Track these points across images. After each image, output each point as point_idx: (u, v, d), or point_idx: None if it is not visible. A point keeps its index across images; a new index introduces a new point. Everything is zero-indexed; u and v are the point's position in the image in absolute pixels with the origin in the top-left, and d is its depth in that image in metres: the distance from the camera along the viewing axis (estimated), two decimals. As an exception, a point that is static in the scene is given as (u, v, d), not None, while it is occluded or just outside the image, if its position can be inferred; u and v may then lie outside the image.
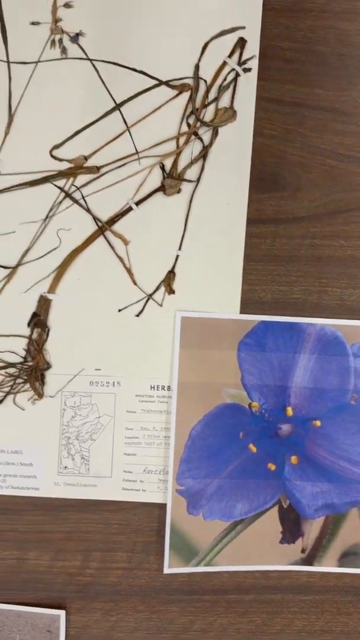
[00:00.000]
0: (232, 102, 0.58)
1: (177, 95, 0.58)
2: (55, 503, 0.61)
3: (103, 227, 0.59)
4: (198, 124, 0.58)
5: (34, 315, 0.59)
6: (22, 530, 0.61)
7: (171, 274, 0.60)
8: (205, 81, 0.58)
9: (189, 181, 0.59)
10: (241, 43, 0.57)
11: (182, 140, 0.58)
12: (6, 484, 0.61)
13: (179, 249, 0.59)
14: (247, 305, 0.60)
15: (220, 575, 0.62)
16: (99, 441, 0.60)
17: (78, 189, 0.59)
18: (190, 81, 0.58)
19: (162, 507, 0.61)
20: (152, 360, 0.60)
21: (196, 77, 0.58)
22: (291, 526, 0.61)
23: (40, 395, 0.60)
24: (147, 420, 0.60)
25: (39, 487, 0.61)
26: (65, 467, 0.61)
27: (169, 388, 0.60)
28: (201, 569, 0.61)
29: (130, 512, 0.61)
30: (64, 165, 0.58)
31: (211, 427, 0.60)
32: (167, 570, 0.61)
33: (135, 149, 0.58)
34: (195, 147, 0.59)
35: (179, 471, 0.60)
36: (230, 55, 0.58)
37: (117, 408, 0.60)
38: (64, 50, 0.57)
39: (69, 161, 0.58)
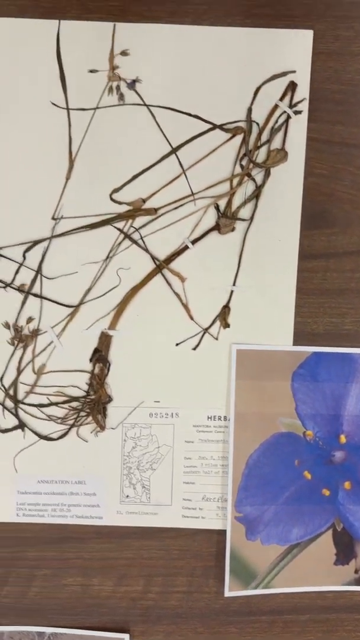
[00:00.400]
0: (283, 143, 0.60)
1: (231, 138, 0.60)
2: (118, 531, 0.63)
3: (161, 266, 0.61)
4: (251, 165, 0.60)
5: (96, 351, 0.62)
6: (87, 557, 0.64)
7: (226, 308, 0.62)
8: (257, 124, 0.60)
9: (243, 220, 0.61)
10: (292, 86, 0.60)
11: (235, 181, 0.61)
12: (71, 513, 0.63)
13: (234, 284, 0.62)
14: (300, 336, 0.62)
15: (277, 596, 0.64)
16: (159, 470, 0.63)
17: (137, 230, 0.61)
18: (243, 124, 0.60)
19: (221, 533, 0.63)
20: (209, 391, 0.62)
21: (249, 120, 0.60)
22: (345, 548, 0.64)
23: (103, 427, 0.62)
24: (205, 449, 0.63)
25: (102, 516, 0.63)
26: (127, 496, 0.63)
27: (225, 418, 0.62)
28: (259, 591, 0.63)
29: (190, 538, 0.64)
30: (123, 208, 0.61)
31: (267, 455, 0.62)
32: (227, 593, 0.63)
33: (191, 191, 0.61)
34: (248, 187, 0.61)
35: (238, 499, 0.62)
36: (281, 99, 0.60)
37: (175, 438, 0.63)
38: (121, 96, 0.60)
39: (128, 204, 0.61)
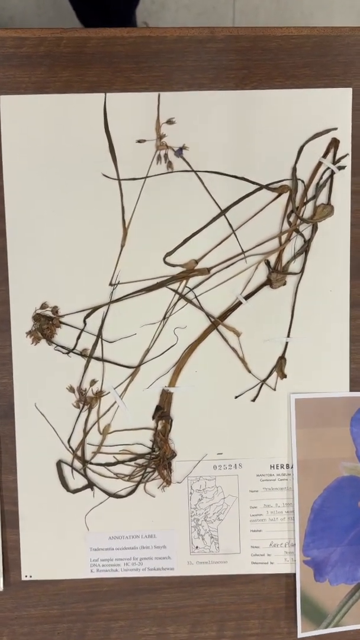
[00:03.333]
0: (329, 198, 0.62)
1: (278, 196, 0.62)
2: (190, 580, 0.65)
3: (216, 322, 0.63)
4: (298, 221, 0.62)
5: (158, 408, 0.64)
6: (160, 607, 0.66)
7: (282, 359, 0.64)
8: (302, 181, 0.62)
9: (294, 274, 0.63)
10: (334, 143, 0.62)
11: (284, 237, 0.63)
12: (143, 566, 0.65)
13: (288, 335, 0.63)
14: (356, 382, 0.64)
15: (348, 633, 0.66)
16: (226, 521, 0.65)
17: (191, 290, 0.63)
18: (288, 183, 0.62)
19: (289, 576, 0.65)
20: (270, 441, 0.64)
21: (294, 178, 0.62)
22: None
23: (169, 482, 0.64)
24: (269, 497, 0.65)
25: (173, 567, 0.65)
26: (197, 547, 0.65)
27: (287, 466, 0.64)
28: (331, 630, 0.65)
29: (260, 582, 0.66)
30: (177, 270, 0.63)
31: (330, 499, 0.64)
32: (300, 634, 0.65)
33: (242, 249, 0.63)
34: (297, 242, 0.63)
35: (305, 543, 0.64)
36: (324, 155, 0.62)
37: (240, 488, 0.64)
38: (169, 164, 0.62)
39: (181, 266, 0.63)
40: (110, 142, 0.61)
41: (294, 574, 0.65)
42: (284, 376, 0.64)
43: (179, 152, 0.61)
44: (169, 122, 0.61)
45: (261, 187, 0.62)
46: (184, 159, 0.62)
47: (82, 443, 0.64)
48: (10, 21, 1.41)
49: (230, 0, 1.52)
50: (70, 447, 0.64)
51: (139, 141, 0.61)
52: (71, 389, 0.64)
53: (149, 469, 0.64)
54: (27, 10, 1.43)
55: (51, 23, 1.42)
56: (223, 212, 0.62)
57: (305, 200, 0.62)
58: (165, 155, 0.62)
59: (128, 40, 0.61)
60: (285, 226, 0.63)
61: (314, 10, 1.51)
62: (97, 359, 0.63)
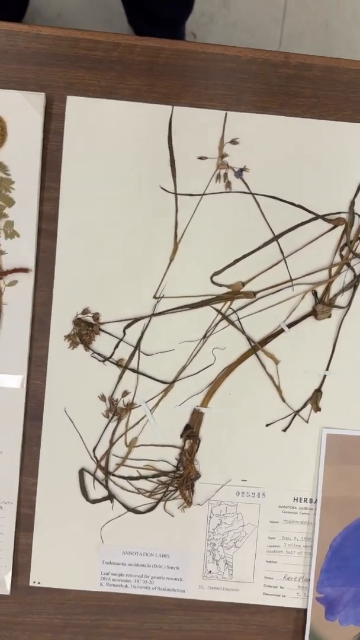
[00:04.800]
0: (384, 236, 0.62)
1: (332, 228, 0.62)
2: (199, 604, 0.64)
3: (256, 347, 0.62)
4: (351, 255, 0.62)
5: (187, 427, 0.63)
6: (166, 628, 0.64)
7: (318, 392, 0.63)
8: (359, 216, 0.62)
9: (340, 307, 0.62)
10: None
11: (334, 269, 0.62)
12: (153, 585, 0.64)
13: (327, 369, 0.63)
14: (389, 424, 0.63)
15: None
16: (243, 548, 0.64)
17: (235, 311, 0.62)
18: (345, 216, 0.62)
19: (299, 611, 0.64)
20: (296, 473, 0.63)
21: (351, 212, 0.61)
22: None
23: (190, 503, 0.63)
24: (288, 530, 0.64)
25: (184, 590, 0.64)
26: (210, 571, 0.64)
27: (311, 500, 0.63)
28: (335, 671, 0.64)
29: (269, 614, 0.65)
30: (223, 290, 0.62)
31: (350, 538, 0.63)
32: (304, 673, 0.64)
33: (290, 277, 0.62)
34: (347, 276, 0.62)
35: (319, 580, 0.63)
36: (384, 193, 0.61)
37: (261, 518, 0.64)
38: (228, 184, 0.61)
39: (228, 286, 0.62)
40: (172, 155, 0.61)
41: (305, 610, 0.64)
42: (318, 409, 0.63)
43: (239, 173, 0.61)
44: (233, 142, 0.61)
45: (317, 217, 0.61)
46: (243, 180, 0.61)
47: (107, 453, 0.63)
48: (59, 17, 1.41)
49: (279, 21, 1.52)
50: (94, 456, 0.63)
51: (201, 158, 0.61)
52: (102, 398, 0.63)
53: (171, 488, 0.63)
54: (76, 8, 1.44)
55: (100, 23, 1.42)
56: (276, 238, 0.62)
57: (359, 236, 0.62)
58: (225, 175, 0.61)
59: (201, 55, 0.60)
60: (337, 259, 0.62)
61: (361, 41, 1.51)
62: (133, 370, 0.63)
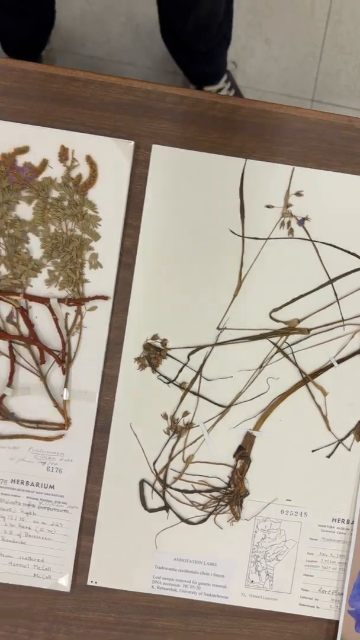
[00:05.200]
0: None
1: (383, 276, 0.68)
2: (240, 610, 0.70)
3: (307, 379, 0.69)
4: None
5: (240, 448, 0.69)
6: (209, 631, 0.70)
7: (360, 423, 0.69)
8: None
9: (385, 348, 0.69)
10: None
11: (382, 313, 0.69)
12: (200, 590, 0.70)
13: (369, 403, 0.69)
14: None
15: None
16: (283, 562, 0.70)
17: (289, 345, 0.69)
18: (395, 266, 0.68)
19: (332, 622, 0.70)
20: (337, 496, 0.70)
21: None
22: None
23: (238, 517, 0.69)
24: (326, 547, 0.70)
25: (227, 596, 0.70)
26: (252, 581, 0.70)
27: (348, 521, 0.70)
28: None
29: (303, 623, 0.71)
30: (280, 325, 0.69)
31: (382, 558, 0.69)
32: None
33: (342, 317, 0.69)
34: (393, 320, 0.69)
35: (352, 594, 0.69)
36: None
37: (301, 535, 0.70)
38: (291, 231, 0.68)
39: (285, 322, 0.69)
40: (242, 203, 0.68)
41: (336, 621, 0.70)
42: None
43: (302, 221, 0.68)
44: (298, 194, 0.68)
45: (370, 265, 0.68)
46: (304, 229, 0.68)
47: (165, 467, 0.69)
48: (107, 42, 1.48)
49: (316, 60, 1.60)
50: (154, 469, 0.69)
51: (268, 206, 0.68)
52: (165, 416, 0.69)
53: (222, 503, 0.69)
54: (120, 44, 1.51)
55: (144, 56, 1.50)
56: (331, 281, 0.68)
57: None
58: (289, 222, 0.68)
59: (275, 115, 0.67)
60: (385, 304, 0.69)
61: None
62: (194, 393, 0.69)
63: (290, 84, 1.57)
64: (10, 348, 0.67)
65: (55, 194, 0.67)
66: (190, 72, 1.35)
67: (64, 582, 0.69)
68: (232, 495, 0.69)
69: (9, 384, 0.68)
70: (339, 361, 0.69)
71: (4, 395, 0.68)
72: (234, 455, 0.69)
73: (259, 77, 1.59)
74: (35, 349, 0.68)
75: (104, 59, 1.51)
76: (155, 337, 0.69)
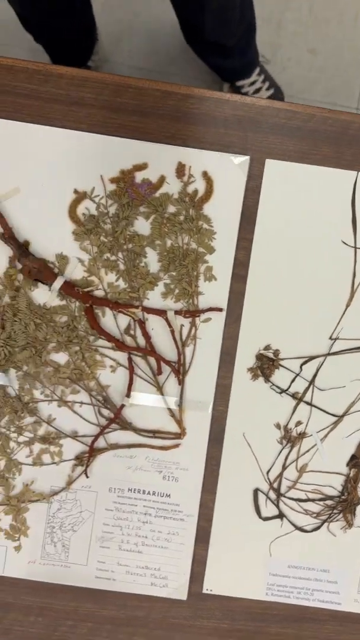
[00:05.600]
0: None
1: None
2: (352, 616, 0.71)
3: None
4: None
5: (353, 457, 0.70)
6: (322, 637, 0.71)
7: None
8: None
9: None
10: None
11: None
12: (313, 597, 0.71)
13: None
14: None
15: None
16: None
17: None
18: None
19: None
20: None
21: None
22: None
23: (351, 525, 0.70)
24: None
25: (340, 602, 0.71)
26: (365, 587, 0.71)
27: None
28: None
29: None
30: (392, 335, 0.70)
31: None
32: None
33: None
34: None
35: None
36: None
37: None
38: None
39: None
40: (354, 214, 0.69)
41: None
42: None
43: None
44: None
45: None
46: None
47: (279, 476, 0.70)
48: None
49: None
50: (268, 478, 0.70)
51: (379, 217, 0.69)
52: (278, 426, 0.70)
53: (335, 511, 0.70)
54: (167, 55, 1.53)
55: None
56: None
57: None
58: None
59: (385, 128, 0.69)
60: None
61: None
62: (307, 403, 0.70)
63: (334, 94, 1.59)
64: (130, 360, 0.69)
65: (172, 209, 0.68)
66: (222, 71, 1.35)
67: (180, 591, 0.70)
68: (345, 504, 0.70)
69: (127, 394, 0.69)
70: None
71: (122, 406, 0.69)
72: (347, 464, 0.70)
73: (305, 87, 1.60)
74: (151, 360, 0.69)
75: (152, 70, 1.53)
76: (267, 348, 0.70)
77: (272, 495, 0.70)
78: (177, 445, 0.70)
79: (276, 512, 0.71)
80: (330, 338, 0.70)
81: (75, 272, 0.69)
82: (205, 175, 0.68)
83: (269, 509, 0.71)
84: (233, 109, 0.69)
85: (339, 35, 1.60)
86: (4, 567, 0.70)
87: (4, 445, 0.69)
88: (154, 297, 0.69)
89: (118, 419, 0.69)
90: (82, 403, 0.69)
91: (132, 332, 0.69)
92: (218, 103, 0.69)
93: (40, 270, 0.67)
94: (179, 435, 0.70)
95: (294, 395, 0.70)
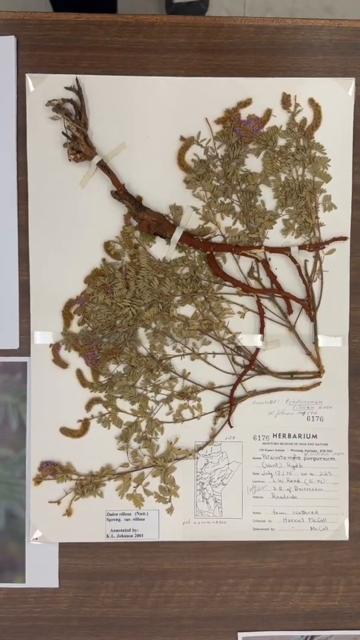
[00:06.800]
0: None
1: None
2: None
3: None
4: None
5: None
6: None
7: None
8: None
9: None
10: None
11: None
12: None
13: None
14: None
15: None
16: None
17: None
18: None
19: None
20: None
21: None
22: None
23: None
24: None
25: None
26: None
27: None
28: None
29: None
30: None
31: None
32: None
33: None
34: None
35: None
36: None
37: None
38: None
39: None
40: None
41: None
42: None
43: None
44: None
45: None
46: None
47: None
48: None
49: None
50: None
51: None
52: None
53: None
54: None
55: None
56: None
57: None
58: None
59: None
60: None
61: None
62: None
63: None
64: (259, 302, 0.67)
65: (281, 142, 0.67)
66: None
67: (340, 532, 0.68)
68: None
69: (261, 338, 0.67)
70: None
71: (257, 350, 0.67)
72: None
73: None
74: (279, 300, 0.68)
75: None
76: None
77: None
78: (317, 384, 0.68)
79: None
80: None
81: (191, 221, 0.67)
82: (312, 102, 0.66)
83: None
84: (329, 35, 0.67)
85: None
86: (159, 532, 0.68)
87: (142, 406, 0.67)
88: (274, 236, 0.68)
89: (254, 365, 0.67)
90: (214, 353, 0.68)
91: (255, 274, 0.68)
92: (313, 30, 0.67)
93: (160, 223, 0.66)
94: (318, 374, 0.68)
95: None
